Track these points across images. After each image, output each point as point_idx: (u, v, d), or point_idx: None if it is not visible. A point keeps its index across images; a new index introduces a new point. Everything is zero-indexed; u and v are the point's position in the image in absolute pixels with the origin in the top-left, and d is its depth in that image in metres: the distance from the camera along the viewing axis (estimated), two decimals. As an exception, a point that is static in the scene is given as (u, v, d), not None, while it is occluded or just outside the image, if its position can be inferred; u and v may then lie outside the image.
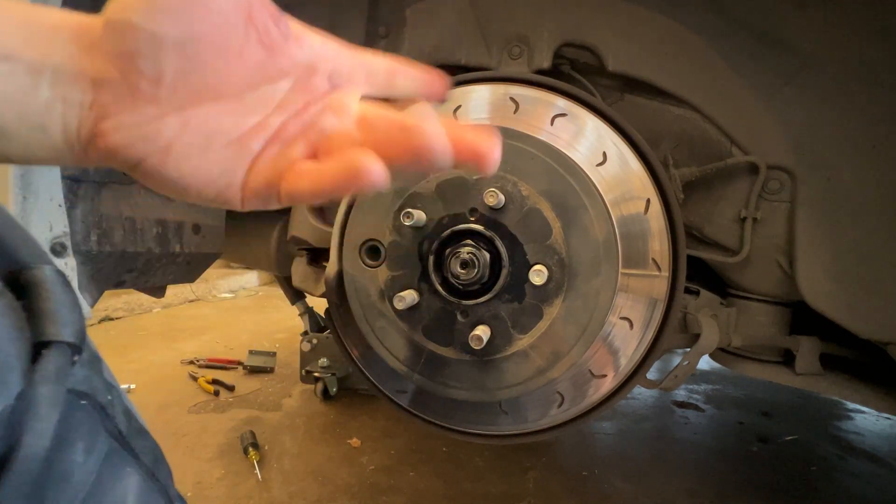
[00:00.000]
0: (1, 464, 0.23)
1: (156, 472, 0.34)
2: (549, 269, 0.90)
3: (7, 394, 0.23)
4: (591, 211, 0.89)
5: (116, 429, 0.31)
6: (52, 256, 0.75)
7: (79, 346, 0.28)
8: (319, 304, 1.89)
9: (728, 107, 1.08)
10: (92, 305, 0.92)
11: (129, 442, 0.32)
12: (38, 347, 0.25)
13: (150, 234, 1.03)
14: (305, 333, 2.44)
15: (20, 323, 0.25)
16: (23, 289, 0.26)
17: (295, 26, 0.32)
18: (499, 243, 0.91)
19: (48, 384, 0.24)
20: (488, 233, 0.91)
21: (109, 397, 0.31)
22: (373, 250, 1.00)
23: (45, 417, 0.24)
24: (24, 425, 0.23)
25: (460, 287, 0.93)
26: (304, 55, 0.32)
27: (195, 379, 2.54)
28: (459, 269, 0.91)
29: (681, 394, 2.73)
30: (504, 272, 0.91)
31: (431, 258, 0.94)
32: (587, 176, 0.91)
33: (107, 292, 1.09)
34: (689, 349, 1.12)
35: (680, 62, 1.08)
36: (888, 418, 2.54)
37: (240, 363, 2.77)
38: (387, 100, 0.37)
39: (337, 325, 1.17)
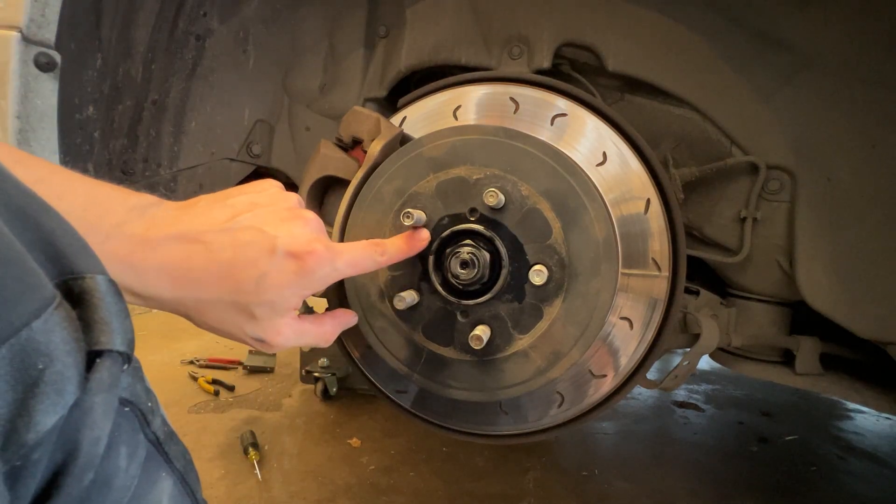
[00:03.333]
0: (60, 470, 0.23)
1: (186, 476, 0.35)
2: (549, 269, 0.90)
3: (63, 403, 0.23)
4: (591, 211, 0.89)
5: (154, 435, 0.32)
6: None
7: (129, 355, 0.28)
8: (319, 304, 1.89)
9: (728, 107, 1.08)
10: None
11: (164, 447, 0.33)
12: (91, 356, 0.26)
13: (151, 234, 1.03)
14: (305, 333, 2.43)
15: (76, 333, 0.25)
16: (77, 297, 0.26)
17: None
18: (499, 243, 0.91)
19: (102, 393, 0.25)
20: (488, 233, 0.91)
21: (150, 404, 0.32)
22: (373, 250, 1.00)
23: (99, 426, 0.25)
24: (80, 434, 0.24)
25: (460, 287, 0.93)
26: None
27: (195, 379, 2.54)
28: (459, 269, 0.91)
29: (681, 394, 2.73)
30: (504, 272, 0.91)
31: (431, 258, 0.94)
32: (587, 176, 0.91)
33: (107, 292, 1.09)
34: (689, 349, 1.12)
35: (680, 62, 1.08)
36: (888, 418, 2.54)
37: (240, 363, 2.77)
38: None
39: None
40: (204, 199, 0.49)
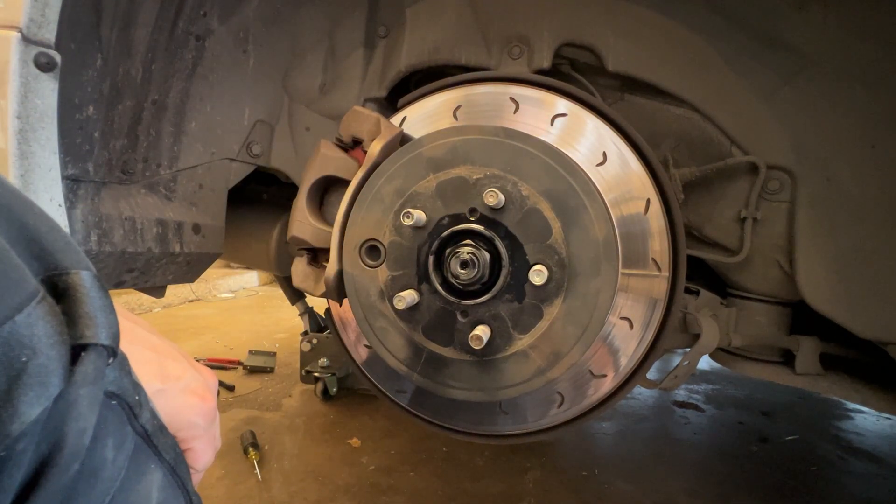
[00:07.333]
0: (46, 462, 0.24)
1: (176, 468, 0.36)
2: (549, 269, 0.90)
3: (48, 395, 0.23)
4: (591, 211, 0.89)
5: (143, 427, 0.32)
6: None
7: (114, 349, 0.29)
8: (319, 304, 1.89)
9: (728, 107, 1.08)
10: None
11: (154, 440, 0.33)
12: (76, 350, 0.26)
13: (150, 234, 1.03)
14: (305, 333, 2.44)
15: (60, 327, 0.25)
16: (62, 292, 0.27)
17: None
18: (499, 243, 0.91)
19: (87, 386, 0.25)
20: (488, 233, 0.91)
21: (137, 397, 0.32)
22: (373, 250, 1.00)
23: (85, 418, 0.25)
24: (65, 425, 0.24)
25: (460, 287, 0.93)
26: None
27: (195, 379, 2.53)
28: (459, 269, 0.91)
29: (681, 394, 2.73)
30: (504, 272, 0.91)
31: (431, 258, 0.94)
32: (587, 176, 0.91)
33: (107, 292, 1.09)
34: (689, 349, 1.12)
35: (680, 62, 1.08)
36: (888, 418, 2.54)
37: (240, 363, 2.77)
38: None
39: (337, 325, 1.17)
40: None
